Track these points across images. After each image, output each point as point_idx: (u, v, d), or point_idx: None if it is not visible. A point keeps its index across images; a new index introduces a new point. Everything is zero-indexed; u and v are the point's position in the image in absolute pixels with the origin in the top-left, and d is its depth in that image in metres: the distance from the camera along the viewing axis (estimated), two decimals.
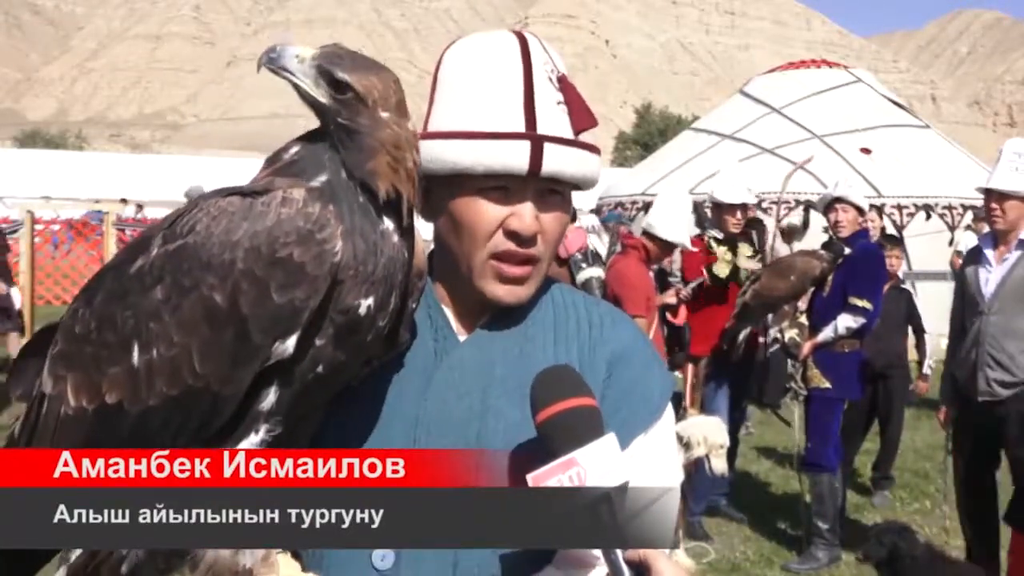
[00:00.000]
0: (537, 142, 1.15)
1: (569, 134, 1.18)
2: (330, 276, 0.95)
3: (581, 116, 1.19)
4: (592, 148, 1.21)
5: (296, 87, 1.01)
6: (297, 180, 1.00)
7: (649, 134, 54.23)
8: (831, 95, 13.67)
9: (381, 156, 1.00)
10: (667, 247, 5.13)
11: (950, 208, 12.20)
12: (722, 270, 5.50)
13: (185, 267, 0.94)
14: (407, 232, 1.05)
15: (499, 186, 1.16)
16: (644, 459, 1.17)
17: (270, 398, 0.98)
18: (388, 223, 1.02)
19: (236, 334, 0.93)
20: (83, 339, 0.99)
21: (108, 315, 0.98)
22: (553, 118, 1.17)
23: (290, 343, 0.95)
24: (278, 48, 1.01)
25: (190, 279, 0.94)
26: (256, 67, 1.03)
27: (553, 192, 1.19)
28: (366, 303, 1.00)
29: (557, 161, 1.16)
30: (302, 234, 0.94)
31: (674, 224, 5.07)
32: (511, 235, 1.17)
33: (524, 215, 1.16)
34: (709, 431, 4.55)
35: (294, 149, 1.04)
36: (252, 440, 0.99)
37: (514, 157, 1.14)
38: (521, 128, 1.15)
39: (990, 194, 4.20)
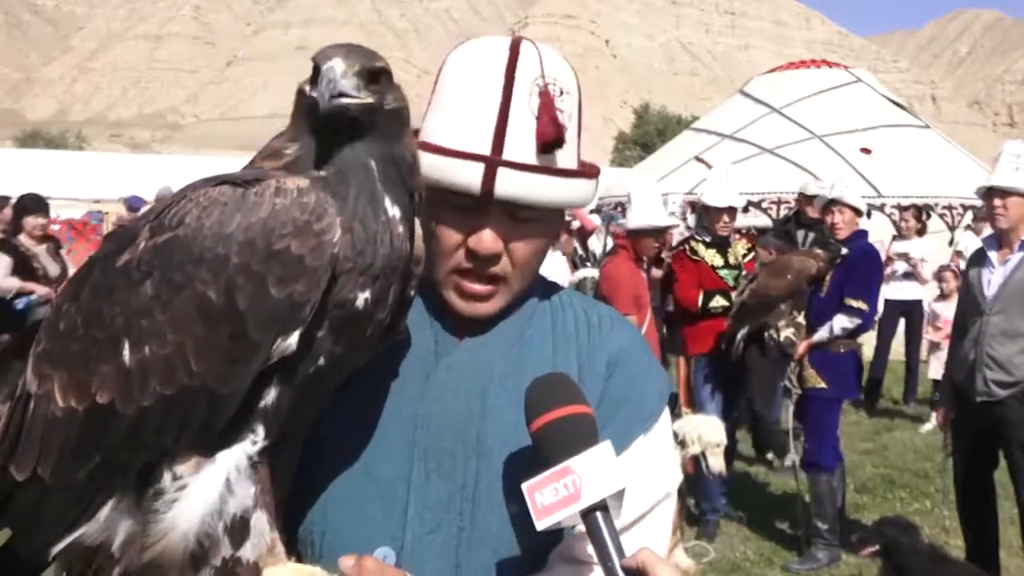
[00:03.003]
0: (491, 166, 1.12)
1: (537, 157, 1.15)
2: (330, 268, 0.92)
3: (545, 129, 1.14)
4: (565, 172, 1.17)
5: (359, 107, 0.95)
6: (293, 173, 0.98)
7: (647, 134, 54.12)
8: (831, 95, 13.68)
9: (410, 128, 1.03)
10: (649, 235, 5.16)
11: (950, 208, 12.20)
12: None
13: (176, 261, 0.90)
14: (411, 218, 1.02)
15: (466, 205, 1.15)
16: (644, 460, 1.17)
17: (271, 395, 0.95)
18: (395, 211, 0.98)
19: (233, 331, 0.89)
20: (69, 336, 0.94)
21: (95, 311, 0.93)
22: (524, 140, 1.14)
23: (292, 339, 0.91)
24: (327, 78, 0.92)
25: (181, 274, 0.89)
26: (321, 115, 0.93)
27: (526, 217, 1.17)
28: (363, 296, 0.96)
29: (513, 186, 1.13)
30: (299, 225, 0.90)
31: (645, 210, 5.11)
32: (470, 254, 1.16)
33: (483, 237, 1.15)
34: (705, 429, 4.54)
35: (292, 148, 0.99)
36: (251, 439, 0.95)
37: (466, 178, 1.13)
38: (486, 150, 1.13)
39: (991, 193, 4.22)
